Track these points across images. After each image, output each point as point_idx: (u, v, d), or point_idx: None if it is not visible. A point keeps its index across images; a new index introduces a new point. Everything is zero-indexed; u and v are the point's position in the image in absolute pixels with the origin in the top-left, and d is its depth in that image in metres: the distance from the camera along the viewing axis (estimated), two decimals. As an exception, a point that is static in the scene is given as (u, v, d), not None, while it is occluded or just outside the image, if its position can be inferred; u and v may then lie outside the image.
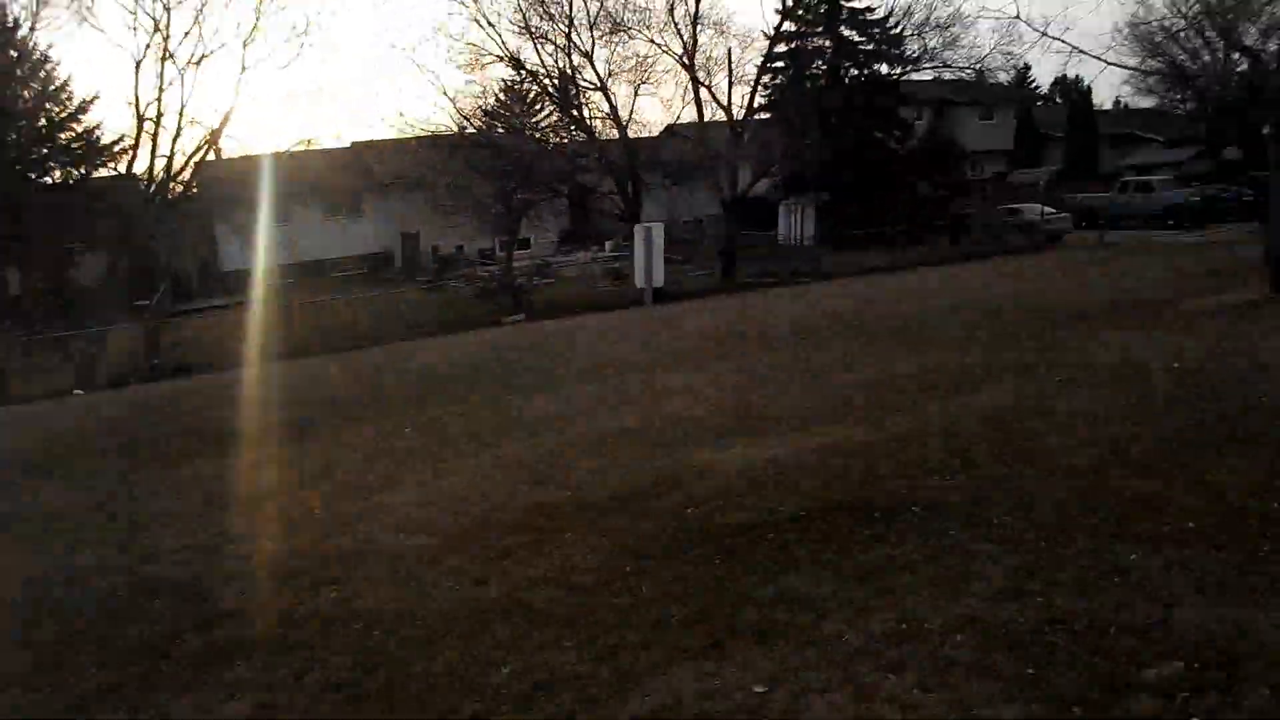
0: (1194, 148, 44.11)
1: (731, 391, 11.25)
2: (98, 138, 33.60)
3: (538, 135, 33.47)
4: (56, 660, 5.65)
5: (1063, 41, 17.86)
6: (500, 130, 32.14)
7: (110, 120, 61.86)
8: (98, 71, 78.62)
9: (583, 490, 7.79)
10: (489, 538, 6.92)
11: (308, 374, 16.42)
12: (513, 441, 9.74)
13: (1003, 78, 52.36)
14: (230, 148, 37.22)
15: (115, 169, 32.89)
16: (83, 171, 33.52)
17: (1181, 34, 39.31)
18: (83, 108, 33.21)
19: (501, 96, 34.52)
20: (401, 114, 44.21)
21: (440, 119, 32.06)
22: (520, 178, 30.71)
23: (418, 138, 33.32)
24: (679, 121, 35.16)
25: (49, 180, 32.60)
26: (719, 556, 6.12)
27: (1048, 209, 34.52)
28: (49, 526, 8.58)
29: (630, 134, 31.96)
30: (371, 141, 43.76)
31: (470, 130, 30.95)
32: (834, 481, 7.36)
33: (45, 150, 31.80)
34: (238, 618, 6.02)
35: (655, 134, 37.39)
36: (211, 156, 29.80)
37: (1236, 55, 35.10)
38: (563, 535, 6.79)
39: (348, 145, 46.53)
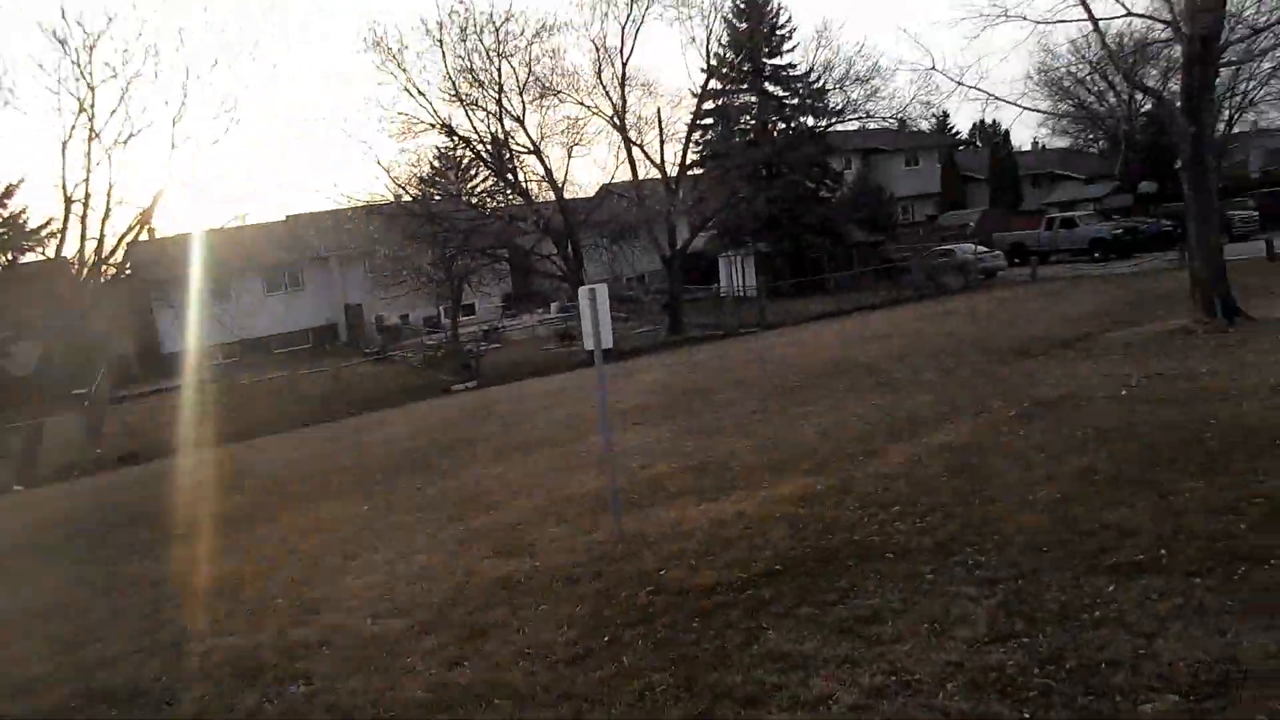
0: (1111, 183, 45.89)
1: (691, 447, 11.21)
2: (24, 222, 32.97)
3: (474, 200, 33.55)
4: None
5: (978, 89, 18.77)
6: (437, 197, 32.16)
7: (37, 204, 60.94)
8: (22, 155, 77.10)
9: (552, 559, 7.64)
10: (461, 615, 6.73)
11: (259, 455, 15.99)
12: (477, 513, 9.55)
13: (924, 125, 54.49)
14: (164, 226, 36.71)
15: (44, 253, 32.18)
16: (10, 257, 32.79)
17: (1087, 78, 41.48)
18: (8, 192, 32.62)
19: (436, 164, 34.64)
20: (336, 185, 44.22)
21: (376, 189, 32.20)
22: (459, 244, 30.71)
23: (354, 209, 33.23)
24: (614, 181, 35.63)
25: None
26: (697, 619, 6.02)
27: (980, 248, 35.46)
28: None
29: (567, 195, 32.19)
30: (308, 214, 43.56)
31: (407, 199, 30.88)
32: (803, 532, 7.33)
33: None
34: (202, 722, 5.74)
35: (591, 194, 37.84)
36: (144, 236, 29.22)
37: (1140, 96, 36.96)
38: (537, 608, 6.63)
39: (283, 219, 46.28)
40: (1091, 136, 50.36)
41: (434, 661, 6.02)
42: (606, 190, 36.88)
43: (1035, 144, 65.50)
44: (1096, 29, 16.15)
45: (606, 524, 8.24)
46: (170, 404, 28.54)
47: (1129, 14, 16.21)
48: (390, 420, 18.20)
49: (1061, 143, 55.61)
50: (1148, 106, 39.61)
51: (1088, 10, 15.23)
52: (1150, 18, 17.50)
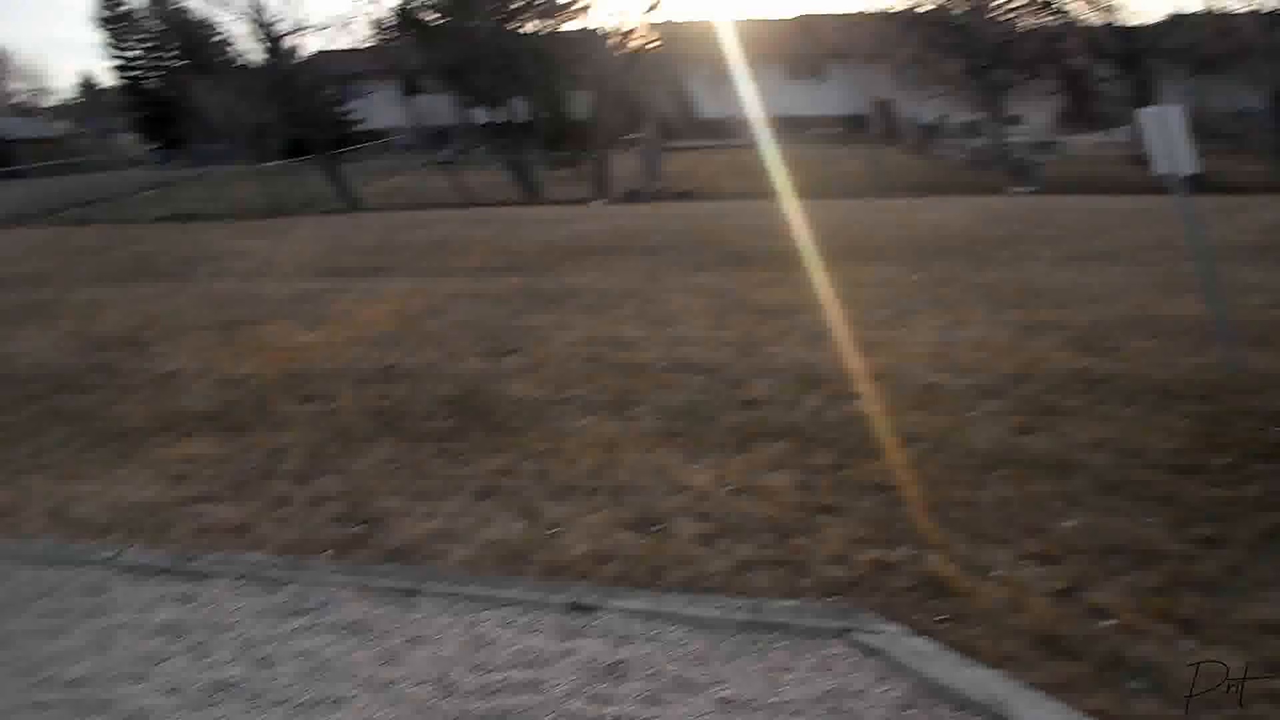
0: None
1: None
2: (557, -1, 37.44)
3: (1002, 18, 30.06)
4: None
5: None
6: (959, 10, 29.42)
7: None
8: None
9: (1144, 368, 6.73)
10: (1032, 391, 6.33)
11: (810, 214, 15.96)
12: (1042, 307, 8.81)
13: None
14: (675, 14, 39.19)
15: (574, 25, 37.18)
16: (550, 24, 37.84)
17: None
18: (549, -29, 36.87)
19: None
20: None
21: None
22: (991, 55, 28.04)
23: (866, 13, 32.00)
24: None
25: (524, 31, 37.35)
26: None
27: None
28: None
29: (1117, 21, 27.24)
30: (819, 15, 43.77)
31: (924, 8, 28.60)
32: None
33: (518, 5, 36.76)
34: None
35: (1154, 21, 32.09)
36: (656, 18, 31.76)
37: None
38: (1124, 408, 5.96)
39: (792, 18, 46.93)
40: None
41: (1001, 421, 5.81)
42: (1177, 20, 31.26)
43: None
44: None
45: (1213, 353, 7.09)
46: (714, 159, 30.61)
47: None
48: (940, 207, 17.47)
49: None
50: None
51: None
52: None
